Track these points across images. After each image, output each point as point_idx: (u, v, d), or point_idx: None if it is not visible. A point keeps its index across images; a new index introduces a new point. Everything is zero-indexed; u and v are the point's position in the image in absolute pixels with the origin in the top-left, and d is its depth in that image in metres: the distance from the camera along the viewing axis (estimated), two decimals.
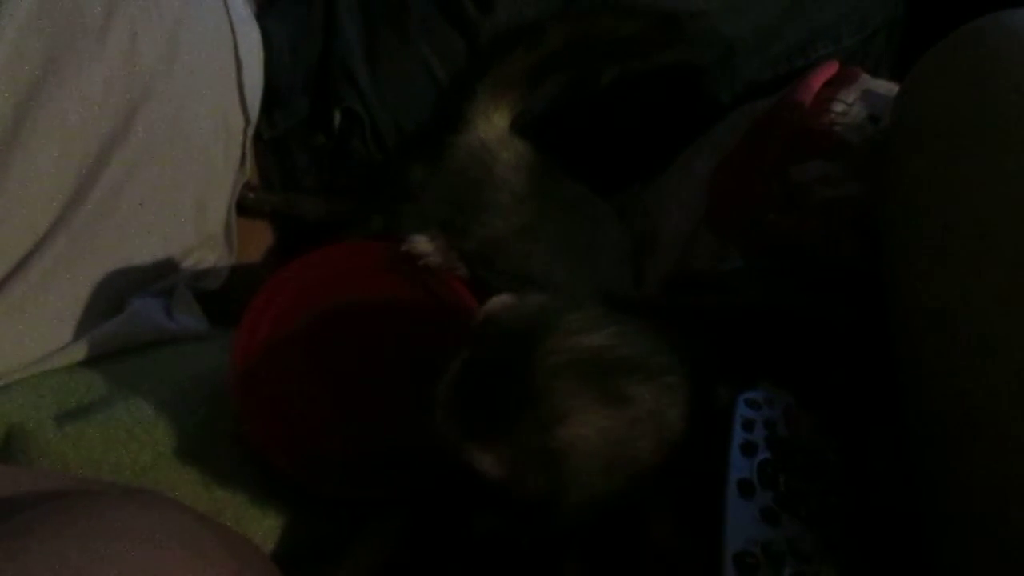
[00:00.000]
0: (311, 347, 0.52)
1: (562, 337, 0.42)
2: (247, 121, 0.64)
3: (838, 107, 0.64)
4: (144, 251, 0.60)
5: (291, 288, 0.52)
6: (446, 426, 0.42)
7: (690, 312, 0.57)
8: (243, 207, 0.67)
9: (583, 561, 0.44)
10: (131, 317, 0.58)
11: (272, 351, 0.51)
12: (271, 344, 0.51)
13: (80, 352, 0.56)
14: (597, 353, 0.42)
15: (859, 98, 0.65)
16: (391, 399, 0.50)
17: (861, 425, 0.47)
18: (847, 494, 0.43)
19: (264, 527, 0.50)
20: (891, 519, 0.43)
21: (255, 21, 0.67)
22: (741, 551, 0.39)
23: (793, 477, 0.43)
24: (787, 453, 0.44)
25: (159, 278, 0.61)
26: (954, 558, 0.39)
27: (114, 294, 0.59)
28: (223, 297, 0.64)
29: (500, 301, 0.45)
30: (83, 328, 0.57)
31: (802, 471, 0.44)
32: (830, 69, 0.68)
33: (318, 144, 0.68)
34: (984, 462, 0.39)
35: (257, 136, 0.67)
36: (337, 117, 0.67)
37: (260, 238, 0.69)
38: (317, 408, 0.51)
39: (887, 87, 0.65)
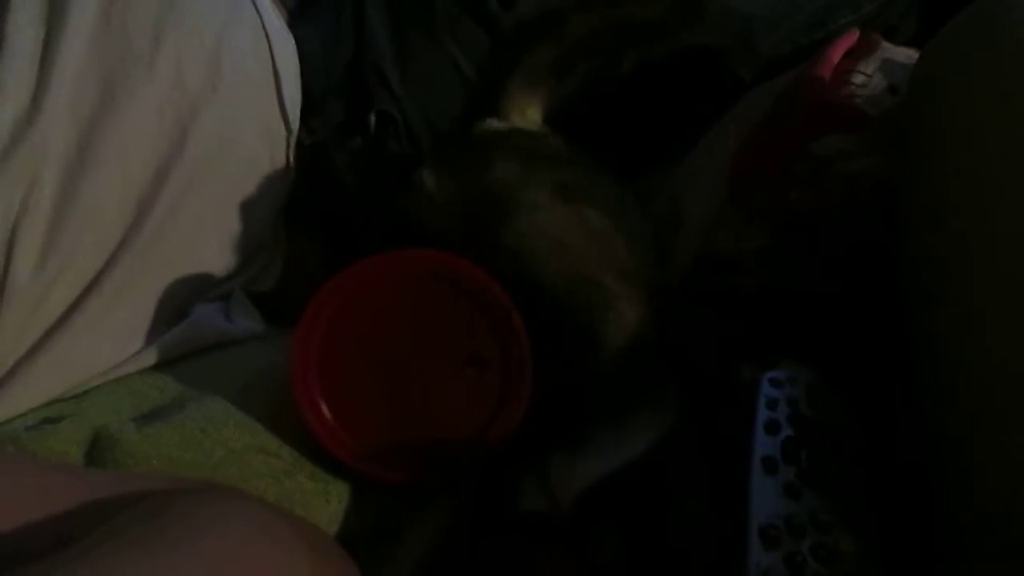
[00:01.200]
0: (364, 345, 0.55)
1: None
2: (289, 131, 0.68)
3: (858, 79, 0.65)
4: (202, 261, 0.64)
5: (343, 292, 0.55)
6: None
7: (715, 292, 0.59)
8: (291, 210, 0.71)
9: (619, 536, 0.47)
10: (194, 323, 0.62)
11: (327, 350, 0.54)
12: (326, 343, 0.54)
13: (151, 358, 0.61)
14: None
15: (879, 68, 0.65)
16: (440, 392, 0.54)
17: (881, 401, 0.50)
18: (866, 467, 0.46)
19: (328, 513, 0.54)
20: (908, 491, 0.45)
21: (288, 31, 0.70)
22: (765, 525, 0.42)
23: (814, 452, 0.46)
24: (809, 430, 0.47)
25: (217, 284, 0.65)
26: (967, 529, 0.42)
27: (178, 302, 0.63)
28: (277, 297, 0.68)
29: None
30: (152, 336, 0.62)
31: (823, 447, 0.46)
32: (850, 39, 0.68)
33: (356, 146, 0.72)
34: (997, 436, 0.41)
35: (298, 142, 0.70)
36: (372, 119, 0.70)
37: (308, 240, 0.73)
38: (372, 401, 0.55)
39: (907, 55, 0.66)
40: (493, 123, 0.63)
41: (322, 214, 0.73)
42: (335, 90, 0.72)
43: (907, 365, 0.48)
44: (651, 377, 0.54)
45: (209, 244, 0.64)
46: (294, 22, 0.72)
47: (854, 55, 0.67)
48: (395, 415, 0.55)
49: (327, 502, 0.55)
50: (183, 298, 0.63)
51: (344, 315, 0.55)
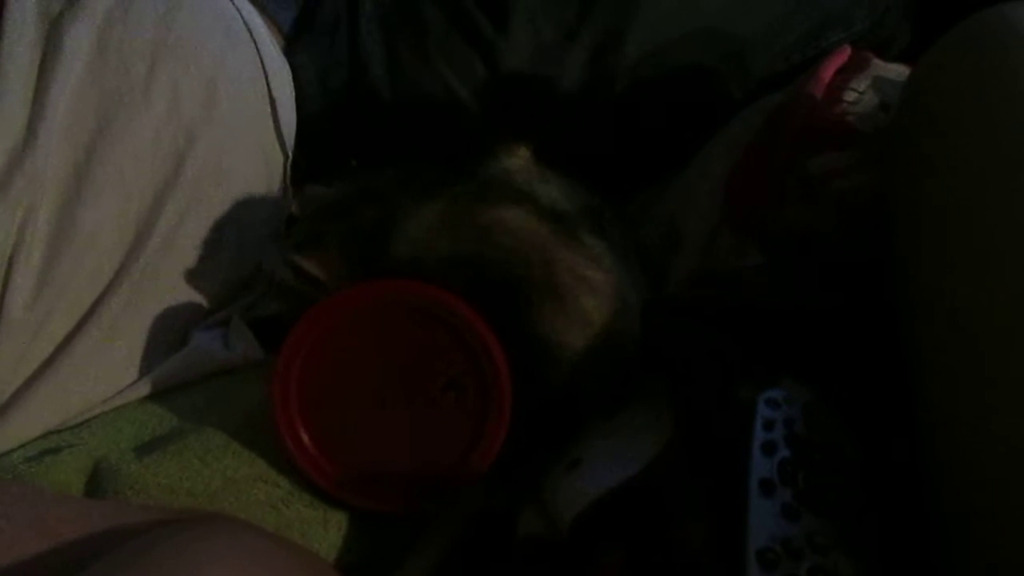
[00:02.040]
0: (343, 375, 0.55)
1: None
2: (285, 156, 0.68)
3: (850, 96, 0.66)
4: (200, 288, 0.64)
5: (321, 323, 0.55)
6: None
7: (712, 308, 0.59)
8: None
9: (622, 559, 0.47)
10: (193, 351, 0.62)
11: (307, 381, 0.55)
12: (305, 374, 0.55)
13: (150, 387, 0.61)
14: None
15: (870, 86, 0.66)
16: (420, 419, 0.55)
17: (878, 420, 0.50)
18: (864, 488, 0.46)
19: (327, 541, 0.55)
20: (906, 511, 0.45)
21: (284, 58, 0.71)
22: (763, 548, 0.42)
23: (812, 473, 0.46)
24: (806, 450, 0.47)
25: (216, 311, 0.66)
26: (961, 550, 0.42)
27: (176, 330, 0.63)
28: (275, 324, 0.68)
29: None
30: (151, 364, 0.62)
31: (820, 467, 0.46)
32: (841, 56, 0.69)
33: (352, 167, 0.72)
34: (995, 455, 0.41)
35: (294, 166, 0.71)
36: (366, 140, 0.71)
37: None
38: (353, 430, 0.55)
39: (898, 72, 0.66)
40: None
41: None
42: (331, 113, 0.72)
43: (903, 382, 0.48)
44: (639, 396, 0.55)
45: (206, 271, 0.64)
46: (290, 48, 0.73)
47: (846, 72, 0.67)
48: (376, 443, 0.55)
49: (325, 530, 0.55)
50: (181, 325, 0.64)
51: (323, 346, 0.55)
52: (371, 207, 0.59)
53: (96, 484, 0.55)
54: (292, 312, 0.68)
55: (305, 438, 0.55)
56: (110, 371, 0.61)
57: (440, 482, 0.54)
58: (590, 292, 0.55)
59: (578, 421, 0.56)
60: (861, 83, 0.66)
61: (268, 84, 0.67)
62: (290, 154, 0.69)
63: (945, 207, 0.48)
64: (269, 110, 0.68)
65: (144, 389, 0.61)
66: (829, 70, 0.68)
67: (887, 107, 0.64)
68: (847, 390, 0.51)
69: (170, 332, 0.63)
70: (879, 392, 0.50)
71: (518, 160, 0.64)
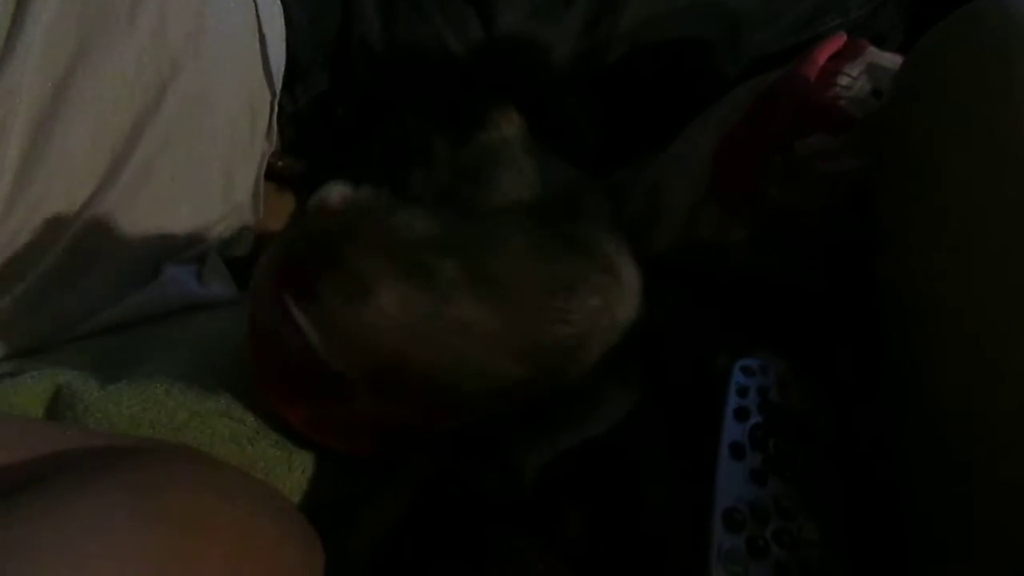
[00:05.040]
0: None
1: (378, 221, 0.46)
2: (272, 94, 0.67)
3: (843, 80, 0.66)
4: (176, 221, 0.63)
5: None
6: (262, 286, 0.46)
7: (694, 274, 0.60)
8: (270, 175, 0.70)
9: (584, 516, 0.47)
10: (165, 284, 0.61)
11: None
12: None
13: (119, 317, 0.60)
14: (408, 235, 0.46)
15: (864, 72, 0.66)
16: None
17: (850, 391, 0.50)
18: (833, 456, 0.47)
19: (291, 482, 0.54)
20: (873, 480, 0.46)
21: None
22: (729, 508, 0.43)
23: (782, 440, 0.46)
24: (778, 418, 0.48)
25: (191, 246, 0.65)
26: (931, 520, 0.42)
27: (149, 263, 0.62)
28: (251, 263, 0.67)
29: (337, 190, 0.49)
30: (122, 295, 0.61)
31: (791, 434, 0.47)
32: (837, 42, 0.69)
33: (339, 116, 0.71)
34: (965, 428, 0.41)
35: (280, 109, 0.69)
36: (356, 90, 0.70)
37: (286, 205, 0.72)
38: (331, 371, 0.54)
39: (893, 60, 0.67)
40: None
41: (303, 181, 0.72)
42: (321, 59, 0.71)
43: (878, 358, 0.48)
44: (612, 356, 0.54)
45: (183, 205, 0.63)
46: None
47: (840, 58, 0.68)
48: (356, 385, 0.54)
49: (290, 471, 0.54)
50: (155, 258, 0.63)
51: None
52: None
53: (56, 411, 0.54)
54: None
55: (283, 382, 0.53)
56: (78, 300, 0.59)
57: (414, 428, 0.54)
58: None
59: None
60: (855, 69, 0.66)
61: (259, 18, 0.66)
62: (277, 93, 0.67)
63: (935, 192, 0.49)
64: (258, 46, 0.66)
65: (113, 319, 0.60)
66: (824, 54, 0.68)
67: (879, 94, 0.64)
68: (821, 362, 0.51)
69: (143, 264, 0.62)
70: (852, 365, 0.51)
71: (513, 128, 0.63)
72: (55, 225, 0.58)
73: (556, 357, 0.47)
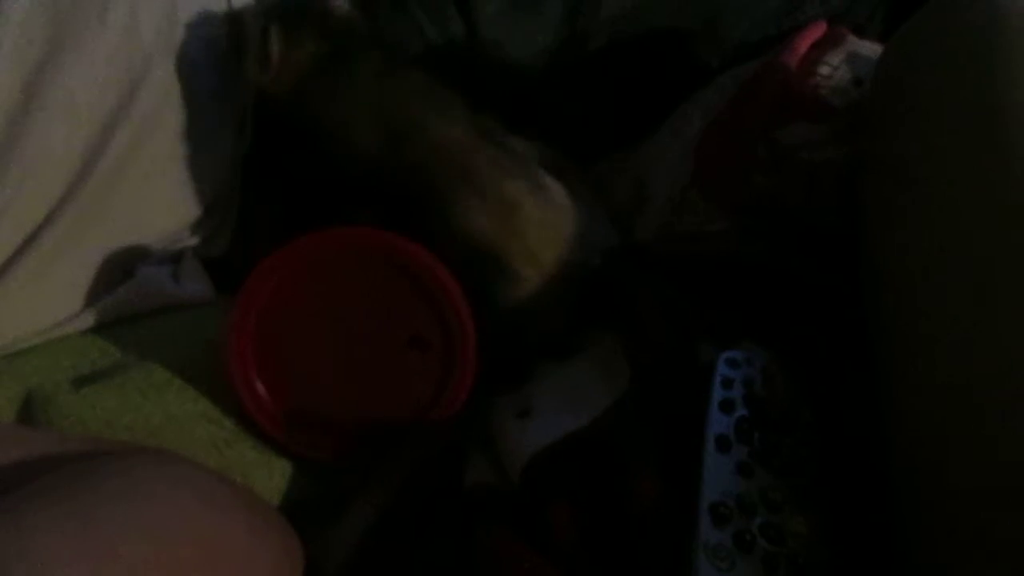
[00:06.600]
0: (303, 324, 0.54)
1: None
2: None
3: (824, 70, 0.66)
4: (151, 221, 0.62)
5: (283, 268, 0.53)
6: None
7: (678, 262, 0.59)
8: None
9: (571, 510, 0.47)
10: (139, 284, 0.60)
11: (265, 326, 0.53)
12: (263, 319, 0.53)
13: (93, 318, 0.59)
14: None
15: (844, 60, 0.66)
16: (380, 373, 0.54)
17: (834, 380, 0.50)
18: (818, 448, 0.46)
19: (271, 486, 0.53)
20: (861, 473, 0.46)
21: None
22: (716, 502, 0.42)
23: (768, 432, 0.46)
24: (763, 410, 0.47)
25: (166, 246, 0.63)
26: (916, 511, 0.42)
27: (124, 262, 0.61)
28: (226, 264, 0.66)
29: None
30: (95, 295, 0.60)
31: (776, 426, 0.46)
32: (817, 30, 0.69)
33: None
34: (948, 419, 0.41)
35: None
36: None
37: (262, 204, 0.70)
38: (309, 380, 0.54)
39: (872, 49, 0.66)
40: None
41: (279, 177, 0.70)
42: None
43: (862, 348, 0.48)
44: (591, 346, 0.54)
45: (157, 204, 0.62)
46: None
47: (821, 46, 0.67)
48: (333, 394, 0.54)
49: (269, 475, 0.54)
50: (129, 258, 0.61)
51: (283, 293, 0.53)
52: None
53: (28, 414, 0.53)
54: (242, 253, 0.66)
55: (259, 387, 0.53)
56: (51, 299, 0.58)
57: (394, 436, 0.53)
58: (510, 178, 0.56)
59: (529, 356, 0.55)
60: (835, 58, 0.66)
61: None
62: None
63: (917, 180, 0.49)
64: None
65: (87, 320, 0.59)
66: (804, 43, 0.68)
67: (860, 82, 0.64)
68: (806, 350, 0.51)
69: (117, 264, 0.60)
70: (836, 357, 0.51)
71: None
72: (28, 223, 0.57)
73: None
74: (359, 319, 0.54)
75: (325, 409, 0.54)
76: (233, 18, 0.63)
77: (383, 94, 0.59)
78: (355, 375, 0.54)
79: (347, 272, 0.53)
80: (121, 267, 0.61)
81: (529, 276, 0.55)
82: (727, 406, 0.47)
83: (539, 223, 0.55)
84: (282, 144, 0.65)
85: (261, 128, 0.66)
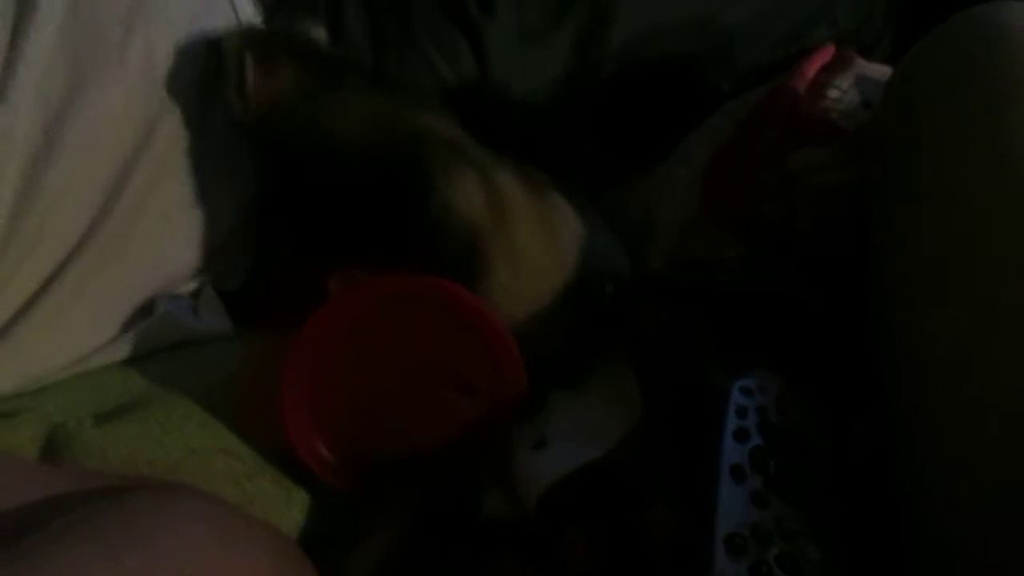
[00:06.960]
0: (356, 371, 0.55)
1: None
2: None
3: (833, 93, 0.66)
4: (170, 256, 0.63)
5: (339, 315, 0.54)
6: None
7: (690, 291, 0.59)
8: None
9: (585, 540, 0.47)
10: (160, 319, 0.61)
11: (318, 373, 0.54)
12: (317, 367, 0.54)
13: (114, 354, 0.60)
14: None
15: (853, 84, 0.66)
16: (426, 414, 0.55)
17: (847, 410, 0.50)
18: (833, 476, 0.46)
19: (290, 519, 0.54)
20: (874, 499, 0.45)
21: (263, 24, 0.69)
22: (731, 533, 0.42)
23: (782, 461, 0.46)
24: (777, 438, 0.47)
25: (185, 281, 0.64)
26: (929, 540, 0.42)
27: (144, 298, 0.62)
28: (243, 297, 0.67)
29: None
30: (116, 331, 0.60)
31: (791, 455, 0.46)
32: (826, 54, 0.69)
33: None
34: (961, 448, 0.41)
35: None
36: None
37: (276, 240, 0.71)
38: (363, 428, 0.55)
39: (881, 72, 0.67)
40: None
41: (292, 213, 0.71)
42: None
43: (875, 374, 0.48)
44: (605, 376, 0.55)
45: (176, 240, 0.63)
46: (270, 17, 0.71)
47: (830, 70, 0.68)
48: (383, 440, 0.55)
49: (288, 508, 0.54)
50: (148, 293, 0.62)
51: (336, 342, 0.54)
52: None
53: (52, 451, 0.54)
54: (260, 285, 0.67)
55: (322, 449, 0.54)
56: (73, 335, 0.59)
57: (433, 474, 0.54)
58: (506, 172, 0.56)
59: (543, 385, 0.55)
60: (844, 81, 0.66)
61: None
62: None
63: (926, 203, 0.49)
64: None
65: (108, 356, 0.60)
66: (813, 67, 0.68)
67: (869, 105, 0.64)
68: (818, 377, 0.51)
69: (136, 300, 0.61)
70: (848, 383, 0.51)
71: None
72: (50, 261, 0.58)
73: None
74: (411, 366, 0.55)
75: (375, 455, 0.55)
76: (212, 45, 0.63)
77: (373, 107, 0.60)
78: (401, 418, 0.55)
79: (402, 318, 0.55)
80: (141, 302, 0.62)
81: (505, 282, 0.55)
82: (741, 435, 0.47)
83: (533, 223, 0.56)
84: (276, 172, 0.66)
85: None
